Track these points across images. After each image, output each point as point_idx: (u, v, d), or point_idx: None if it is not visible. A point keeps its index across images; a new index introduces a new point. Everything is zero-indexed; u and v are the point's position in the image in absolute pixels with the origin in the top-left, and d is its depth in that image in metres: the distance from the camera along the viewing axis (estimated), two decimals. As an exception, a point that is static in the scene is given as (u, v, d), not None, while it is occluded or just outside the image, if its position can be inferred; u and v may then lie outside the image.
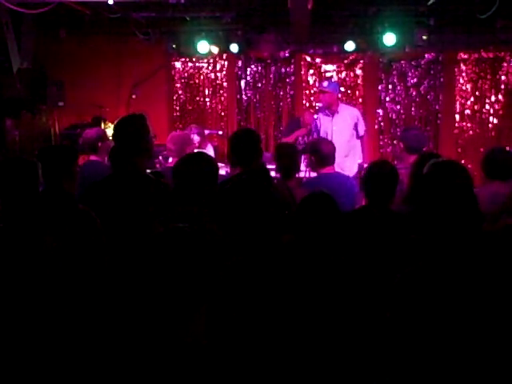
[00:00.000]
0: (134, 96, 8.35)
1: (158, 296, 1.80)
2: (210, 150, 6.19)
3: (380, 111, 8.52)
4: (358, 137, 6.21)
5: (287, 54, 8.33)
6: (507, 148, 4.63)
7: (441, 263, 2.14)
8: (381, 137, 8.55)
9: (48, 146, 3.71)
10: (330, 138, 5.75)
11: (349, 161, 5.99)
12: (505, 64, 8.14)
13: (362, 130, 6.22)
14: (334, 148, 4.54)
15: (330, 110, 6.09)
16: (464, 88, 8.30)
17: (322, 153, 4.37)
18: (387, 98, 8.49)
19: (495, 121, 8.25)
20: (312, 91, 8.39)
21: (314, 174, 4.58)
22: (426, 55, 8.24)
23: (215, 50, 7.82)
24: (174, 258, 1.80)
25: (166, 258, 1.80)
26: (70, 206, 2.70)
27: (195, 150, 5.35)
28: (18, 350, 1.91)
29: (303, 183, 4.55)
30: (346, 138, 6.05)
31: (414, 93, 8.41)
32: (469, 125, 8.35)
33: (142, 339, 1.79)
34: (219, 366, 1.74)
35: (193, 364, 1.71)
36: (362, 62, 8.41)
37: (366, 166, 4.43)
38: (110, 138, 5.70)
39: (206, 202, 2.82)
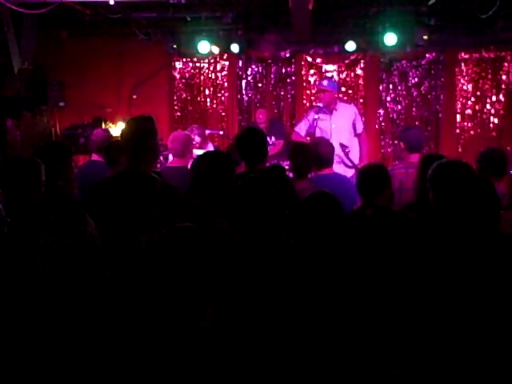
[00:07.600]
0: (134, 96, 8.35)
1: (162, 294, 1.80)
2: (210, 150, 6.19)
3: (381, 111, 8.51)
4: (355, 134, 6.19)
5: (288, 54, 8.31)
6: (508, 148, 4.68)
7: (458, 260, 2.17)
8: (382, 137, 8.54)
9: (43, 145, 3.71)
10: (329, 136, 5.74)
11: (352, 157, 5.98)
12: (506, 64, 8.12)
13: (360, 127, 6.20)
14: (333, 149, 4.54)
15: (329, 108, 6.08)
16: (465, 88, 8.28)
17: (320, 155, 4.37)
18: (388, 98, 8.48)
19: (496, 121, 8.23)
20: (313, 91, 8.38)
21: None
22: (427, 55, 8.23)
23: (216, 50, 7.82)
24: (179, 257, 1.80)
25: (171, 258, 1.81)
26: (61, 205, 2.71)
27: (197, 150, 5.38)
28: (11, 345, 1.92)
29: None
30: (346, 136, 6.04)
31: (414, 93, 8.40)
32: (470, 125, 8.33)
33: (147, 336, 1.79)
34: (223, 362, 1.74)
35: (197, 359, 1.72)
36: (362, 61, 8.40)
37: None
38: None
39: (220, 199, 2.85)
